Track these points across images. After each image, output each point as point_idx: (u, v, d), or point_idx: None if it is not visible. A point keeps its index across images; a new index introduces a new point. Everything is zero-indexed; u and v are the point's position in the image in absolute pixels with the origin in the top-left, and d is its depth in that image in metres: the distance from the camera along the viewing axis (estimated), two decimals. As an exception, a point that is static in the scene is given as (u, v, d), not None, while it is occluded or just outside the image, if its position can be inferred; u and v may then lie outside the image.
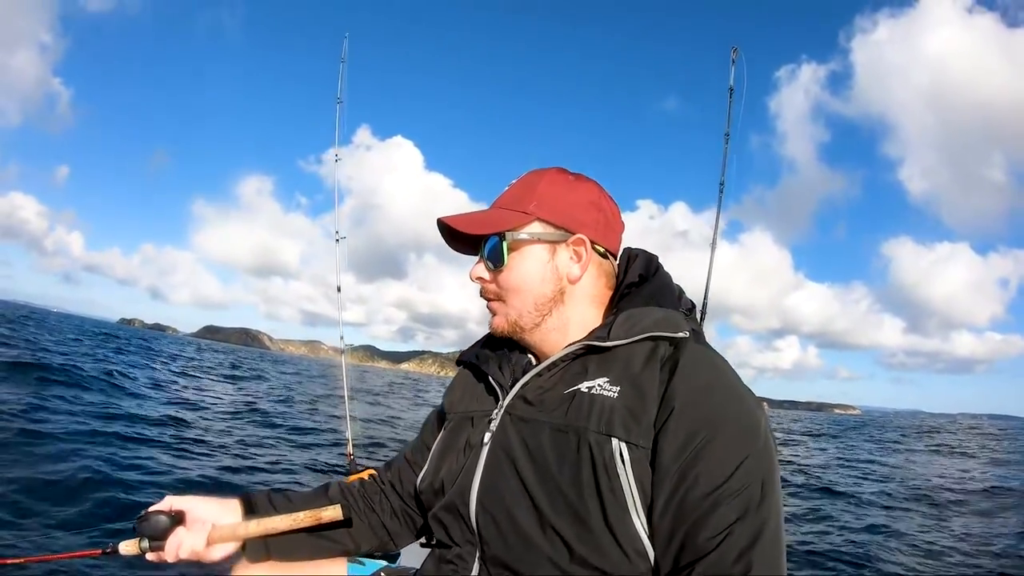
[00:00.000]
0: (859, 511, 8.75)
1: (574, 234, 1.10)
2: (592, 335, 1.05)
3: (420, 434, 1.32)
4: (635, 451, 0.92)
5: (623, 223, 1.18)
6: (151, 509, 1.16)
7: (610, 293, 1.14)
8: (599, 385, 0.99)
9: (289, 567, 1.23)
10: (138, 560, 1.17)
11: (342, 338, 5.03)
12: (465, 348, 1.26)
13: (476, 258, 1.15)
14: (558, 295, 1.10)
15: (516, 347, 1.18)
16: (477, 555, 1.04)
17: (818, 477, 11.73)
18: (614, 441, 0.93)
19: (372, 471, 1.37)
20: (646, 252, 1.19)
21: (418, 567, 1.20)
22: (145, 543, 1.14)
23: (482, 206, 1.17)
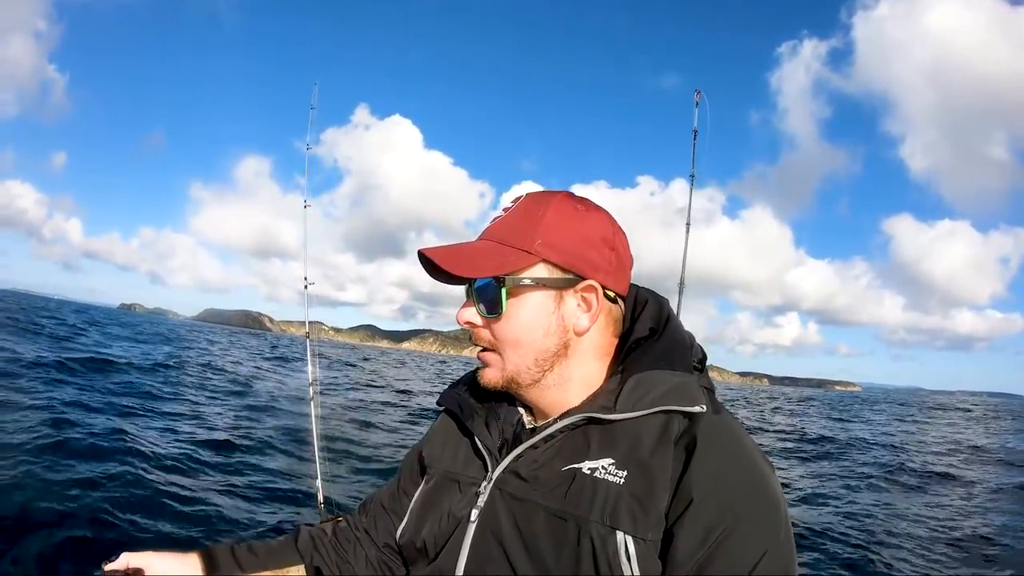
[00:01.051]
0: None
1: (584, 279, 0.95)
2: (596, 403, 0.93)
3: (398, 478, 1.20)
4: (642, 545, 0.83)
5: (632, 258, 1.03)
6: (107, 568, 1.07)
7: (616, 342, 1.01)
8: (603, 468, 0.88)
9: None
10: None
11: (313, 382, 4.68)
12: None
13: (464, 294, 1.00)
14: (562, 349, 0.96)
15: (506, 396, 1.04)
16: None
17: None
18: (619, 534, 0.83)
19: (344, 519, 1.27)
20: (656, 297, 1.05)
21: None
22: None
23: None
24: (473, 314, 0.97)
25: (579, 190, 0.96)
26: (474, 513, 0.96)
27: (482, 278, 0.94)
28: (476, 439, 1.03)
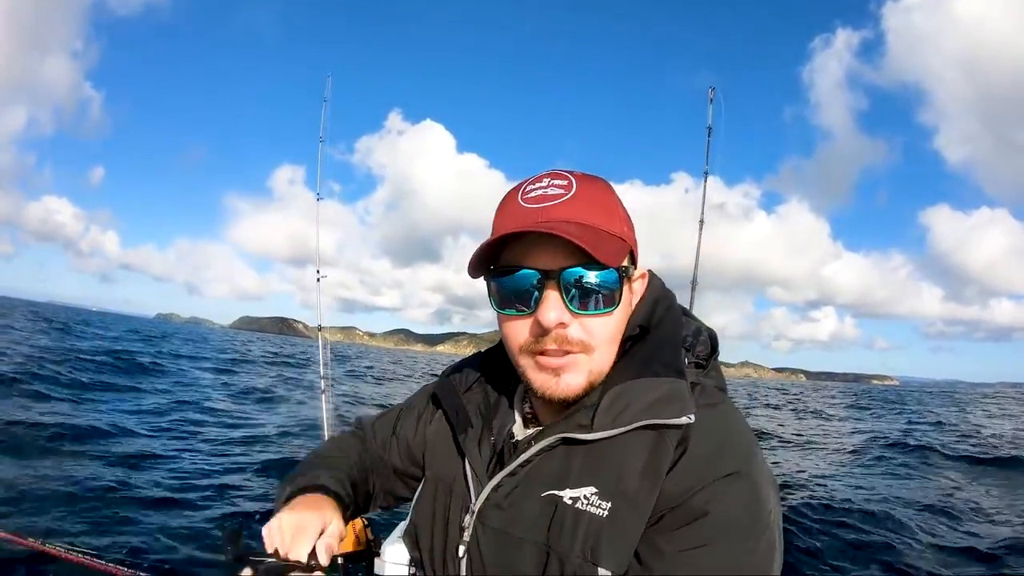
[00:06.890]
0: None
1: (636, 266, 0.92)
2: (572, 421, 0.85)
3: (401, 421, 1.15)
4: None
5: None
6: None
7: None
8: (585, 497, 0.82)
9: None
10: None
11: (324, 378, 4.54)
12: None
13: (538, 289, 0.84)
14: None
15: (506, 392, 1.02)
16: None
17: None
18: (600, 571, 0.79)
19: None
20: (651, 290, 0.96)
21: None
22: None
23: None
24: (563, 312, 0.83)
25: (617, 189, 0.93)
26: (461, 549, 0.93)
27: (608, 268, 0.83)
28: (467, 462, 0.97)
